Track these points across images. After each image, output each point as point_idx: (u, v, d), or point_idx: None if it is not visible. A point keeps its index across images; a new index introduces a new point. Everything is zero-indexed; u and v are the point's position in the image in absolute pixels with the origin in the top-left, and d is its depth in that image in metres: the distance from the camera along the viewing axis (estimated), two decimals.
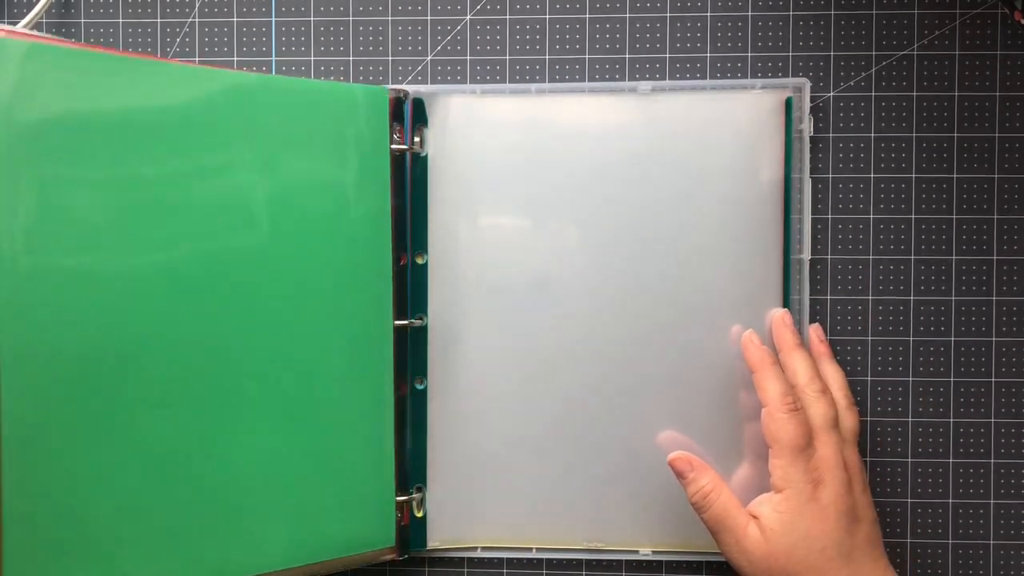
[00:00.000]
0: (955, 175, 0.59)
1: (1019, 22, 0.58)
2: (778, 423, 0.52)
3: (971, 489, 0.59)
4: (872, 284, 0.59)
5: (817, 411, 0.53)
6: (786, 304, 0.57)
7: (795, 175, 0.57)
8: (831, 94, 0.59)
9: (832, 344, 0.59)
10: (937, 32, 0.59)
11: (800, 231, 0.58)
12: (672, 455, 0.55)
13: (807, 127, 0.57)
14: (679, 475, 0.55)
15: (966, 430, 0.59)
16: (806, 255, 0.58)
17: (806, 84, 0.58)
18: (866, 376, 0.59)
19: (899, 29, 0.59)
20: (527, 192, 0.57)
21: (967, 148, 0.59)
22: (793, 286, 0.57)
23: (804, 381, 0.54)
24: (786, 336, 0.56)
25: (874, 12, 0.59)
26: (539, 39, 0.60)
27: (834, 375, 0.56)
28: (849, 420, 0.54)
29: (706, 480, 0.54)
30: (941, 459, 0.59)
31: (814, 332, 0.57)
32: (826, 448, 0.52)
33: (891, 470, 0.59)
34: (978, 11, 0.59)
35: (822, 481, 0.52)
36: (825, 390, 0.54)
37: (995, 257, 0.59)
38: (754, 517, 0.53)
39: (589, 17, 0.60)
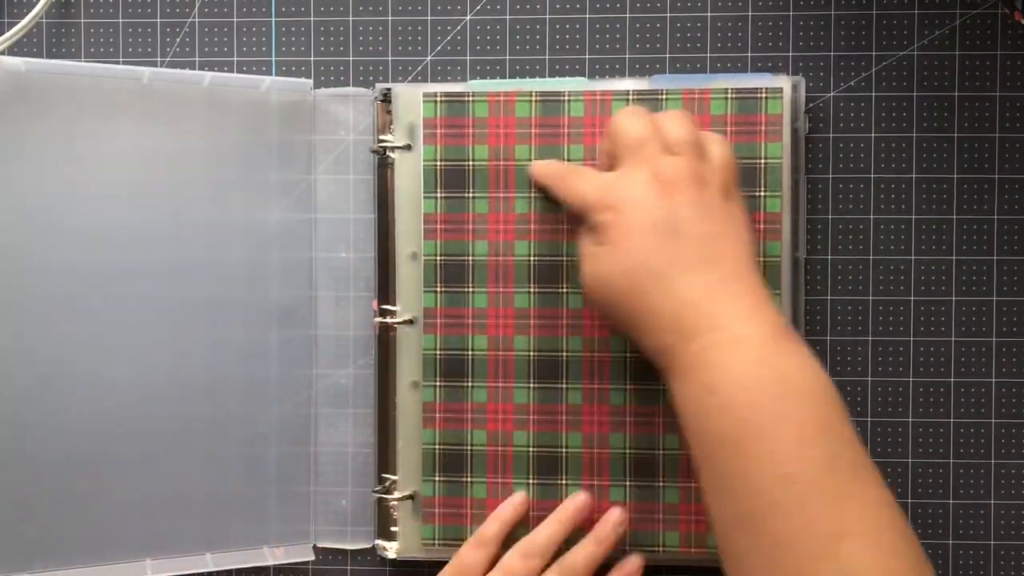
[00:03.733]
0: (955, 175, 0.59)
1: (1019, 22, 0.58)
2: (574, 181, 0.53)
3: (971, 489, 0.59)
4: (872, 284, 0.59)
5: (628, 126, 0.51)
6: (793, 304, 0.57)
7: (794, 175, 0.57)
8: (831, 94, 0.59)
9: (832, 344, 0.59)
10: (937, 32, 0.59)
11: (797, 231, 0.58)
12: (533, 164, 0.56)
13: (802, 125, 0.57)
14: (551, 183, 0.55)
15: (966, 430, 0.59)
16: (801, 253, 0.58)
17: (801, 82, 0.57)
18: (866, 376, 0.59)
19: (899, 29, 0.59)
20: None
21: (967, 148, 0.59)
22: (795, 286, 0.57)
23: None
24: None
25: (874, 12, 0.59)
26: (539, 39, 0.60)
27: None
28: (715, 148, 0.51)
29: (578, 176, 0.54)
30: (941, 459, 0.59)
31: None
32: (634, 165, 0.50)
33: (891, 470, 0.59)
34: (978, 11, 0.59)
35: (623, 201, 0.49)
36: (681, 115, 0.51)
37: (995, 257, 0.59)
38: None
39: (589, 17, 0.60)
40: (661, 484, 0.56)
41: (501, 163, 0.57)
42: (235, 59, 0.61)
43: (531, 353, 0.57)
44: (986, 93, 0.59)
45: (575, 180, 0.53)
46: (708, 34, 0.59)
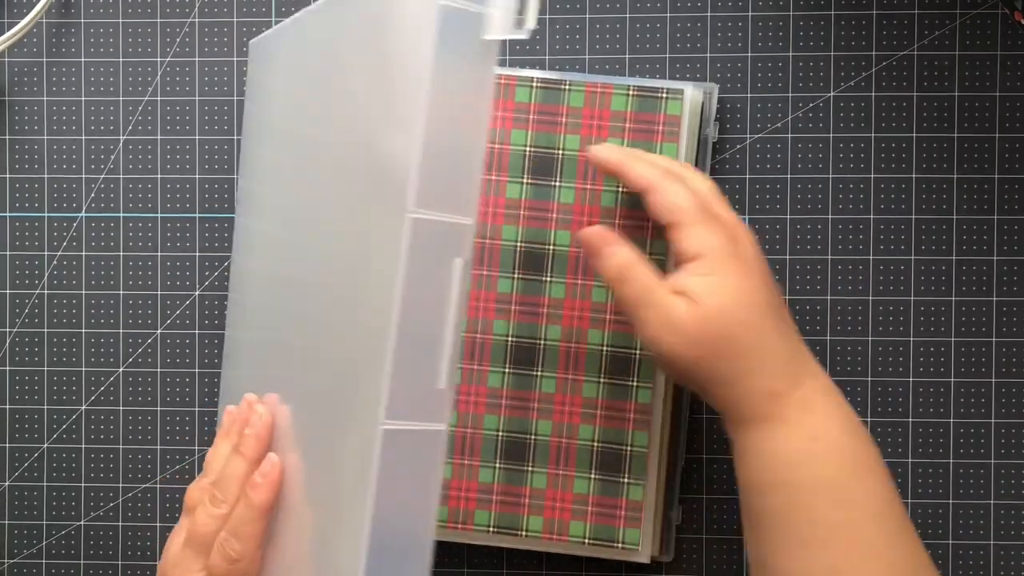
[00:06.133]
0: (955, 175, 0.59)
1: (1019, 22, 0.58)
2: (673, 194, 0.49)
3: (971, 489, 0.59)
4: (872, 284, 0.59)
5: (699, 185, 0.50)
6: None
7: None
8: (831, 94, 0.59)
9: (832, 344, 0.59)
10: (937, 32, 0.59)
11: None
12: (583, 230, 0.51)
13: (712, 132, 0.57)
14: (594, 252, 0.50)
15: (966, 430, 0.59)
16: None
17: (715, 89, 0.57)
18: (866, 376, 0.59)
19: (899, 29, 0.59)
20: None
21: (967, 148, 0.59)
22: None
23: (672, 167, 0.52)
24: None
25: (874, 12, 0.59)
26: (539, 39, 0.60)
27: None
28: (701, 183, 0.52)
29: (625, 253, 0.49)
30: (941, 459, 0.59)
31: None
32: (726, 211, 0.50)
33: (891, 470, 0.59)
34: (978, 11, 0.59)
35: (738, 239, 0.49)
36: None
37: (995, 257, 0.59)
38: (677, 293, 0.48)
39: (589, 17, 0.60)
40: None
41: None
42: (235, 59, 0.61)
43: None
44: (986, 93, 0.59)
45: (669, 185, 0.50)
46: (708, 34, 0.59)
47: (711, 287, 0.47)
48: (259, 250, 0.55)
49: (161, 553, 0.61)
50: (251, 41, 0.60)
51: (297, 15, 0.53)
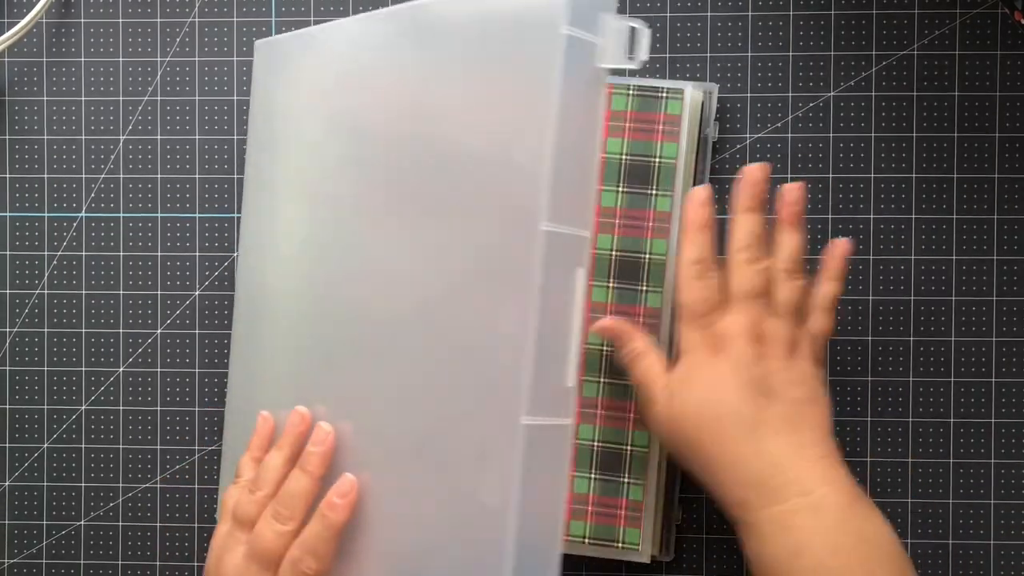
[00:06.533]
0: (955, 175, 0.59)
1: (1019, 22, 0.58)
2: (683, 289, 0.51)
3: (971, 489, 0.59)
4: (872, 284, 0.59)
5: (743, 279, 0.51)
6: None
7: (699, 177, 0.57)
8: (831, 94, 0.59)
9: (832, 344, 0.59)
10: (937, 32, 0.59)
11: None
12: (603, 321, 0.54)
13: (712, 132, 0.57)
14: (615, 338, 0.54)
15: (966, 430, 0.59)
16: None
17: (715, 89, 0.57)
18: (866, 376, 0.59)
19: (899, 29, 0.59)
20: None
21: (967, 148, 0.59)
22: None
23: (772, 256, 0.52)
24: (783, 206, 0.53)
25: (874, 12, 0.59)
26: None
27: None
28: (820, 320, 0.53)
29: (638, 342, 0.53)
30: (941, 459, 0.59)
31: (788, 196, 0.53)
32: (738, 316, 0.50)
33: (891, 470, 0.59)
34: (978, 11, 0.59)
35: (723, 348, 0.50)
36: (792, 272, 0.52)
37: (995, 257, 0.59)
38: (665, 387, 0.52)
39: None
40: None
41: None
42: (235, 59, 0.61)
43: None
44: (986, 93, 0.59)
45: (687, 278, 0.51)
46: (708, 34, 0.59)
47: (681, 387, 0.50)
48: (312, 264, 0.54)
49: (170, 555, 0.61)
50: (257, 42, 0.60)
51: (340, 22, 0.53)
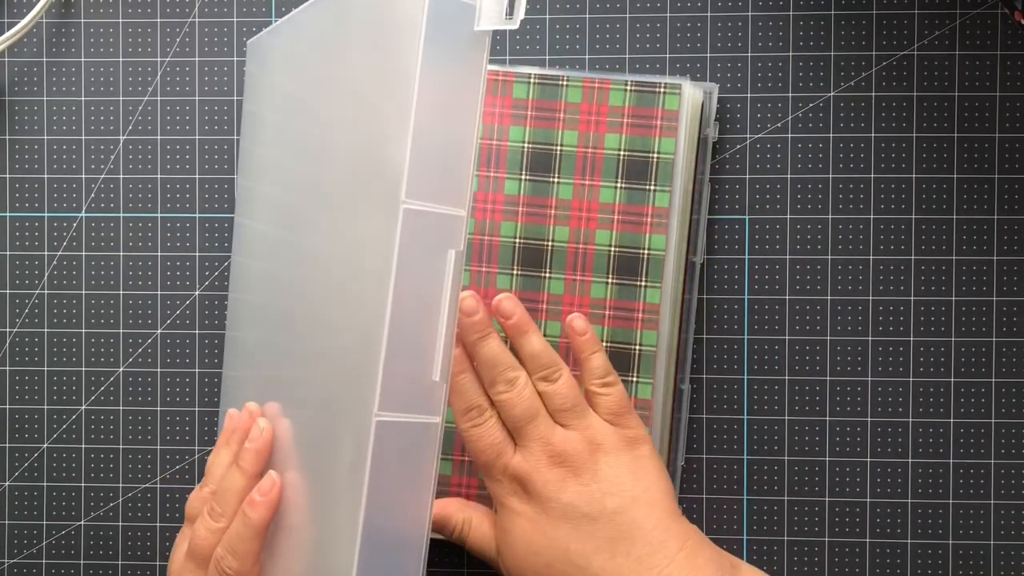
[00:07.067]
0: (955, 175, 0.59)
1: (1019, 22, 0.58)
2: (467, 442, 0.49)
3: (971, 489, 0.59)
4: (872, 284, 0.59)
5: (510, 409, 0.49)
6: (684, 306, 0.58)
7: (699, 177, 0.57)
8: (831, 94, 0.59)
9: (832, 344, 0.59)
10: (937, 32, 0.59)
11: (696, 233, 0.57)
12: (571, 320, 0.52)
13: (712, 132, 0.57)
14: (438, 528, 0.52)
15: (966, 430, 0.59)
16: (699, 258, 0.58)
17: (715, 88, 0.57)
18: (866, 376, 0.59)
19: (899, 29, 0.59)
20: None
21: (967, 148, 0.59)
22: (690, 289, 0.58)
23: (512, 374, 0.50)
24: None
25: (874, 12, 0.59)
26: (539, 39, 0.60)
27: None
28: (603, 399, 0.50)
29: (456, 518, 0.51)
30: (941, 459, 0.59)
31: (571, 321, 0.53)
32: (522, 450, 0.49)
33: (891, 470, 0.59)
34: (978, 11, 0.59)
35: (527, 488, 0.48)
36: (548, 376, 0.49)
37: (995, 257, 0.59)
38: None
39: (589, 17, 0.60)
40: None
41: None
42: (235, 59, 0.61)
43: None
44: (986, 93, 0.59)
45: (466, 431, 0.49)
46: (708, 34, 0.59)
47: (507, 547, 0.49)
48: (257, 250, 0.55)
49: (168, 556, 0.61)
50: (249, 41, 0.60)
51: (292, 13, 0.53)
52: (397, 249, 0.36)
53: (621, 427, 0.50)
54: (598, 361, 0.52)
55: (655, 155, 0.56)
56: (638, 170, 0.56)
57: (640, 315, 0.56)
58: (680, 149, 0.56)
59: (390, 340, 0.37)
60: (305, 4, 0.52)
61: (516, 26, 0.37)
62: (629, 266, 0.56)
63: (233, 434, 0.50)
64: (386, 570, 0.38)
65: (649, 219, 0.56)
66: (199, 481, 0.61)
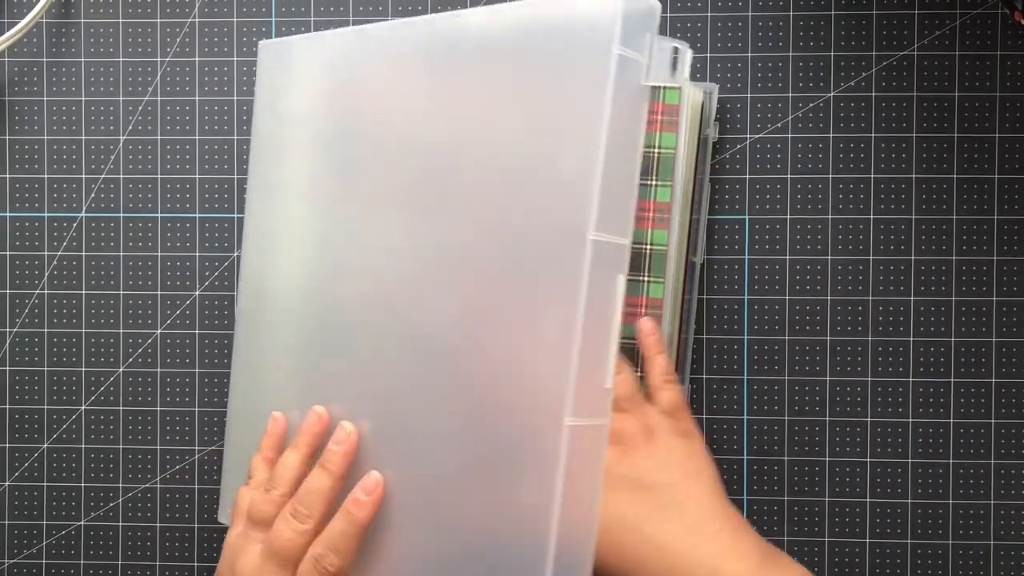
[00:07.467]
0: (955, 175, 0.59)
1: (1019, 22, 0.58)
2: (621, 417, 0.52)
3: (971, 489, 0.59)
4: (872, 284, 0.59)
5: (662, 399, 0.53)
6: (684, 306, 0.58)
7: (699, 177, 0.57)
8: (831, 94, 0.59)
9: (832, 344, 0.59)
10: (937, 32, 0.59)
11: (696, 233, 0.57)
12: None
13: (712, 132, 0.57)
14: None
15: (966, 430, 0.59)
16: (699, 258, 0.58)
17: (715, 89, 0.57)
18: (866, 376, 0.59)
19: (899, 29, 0.59)
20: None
21: (967, 148, 0.59)
22: (689, 288, 0.58)
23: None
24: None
25: (874, 12, 0.59)
26: None
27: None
28: (664, 394, 0.53)
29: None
30: (941, 459, 0.59)
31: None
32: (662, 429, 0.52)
33: (891, 470, 0.59)
34: (978, 11, 0.59)
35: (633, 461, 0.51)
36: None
37: (995, 257, 0.59)
38: None
39: None
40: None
41: None
42: (235, 59, 0.61)
43: None
44: (986, 93, 0.59)
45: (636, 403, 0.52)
46: (708, 34, 0.59)
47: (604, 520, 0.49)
48: (327, 266, 0.54)
49: (165, 556, 0.61)
50: (262, 42, 0.59)
51: (364, 30, 0.53)
52: (587, 276, 0.41)
53: (677, 420, 0.53)
54: (662, 360, 0.54)
55: (656, 150, 0.56)
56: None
57: (642, 311, 0.56)
58: (681, 143, 0.56)
59: (581, 356, 0.42)
60: (384, 24, 0.51)
61: (679, 84, 0.44)
62: (632, 262, 0.56)
63: (302, 437, 0.51)
64: (572, 561, 0.42)
65: (651, 215, 0.56)
66: (199, 481, 0.61)
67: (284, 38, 0.58)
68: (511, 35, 0.46)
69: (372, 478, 0.48)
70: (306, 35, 0.57)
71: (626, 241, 0.43)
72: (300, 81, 0.56)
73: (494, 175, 0.45)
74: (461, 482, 0.45)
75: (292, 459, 0.51)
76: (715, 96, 0.57)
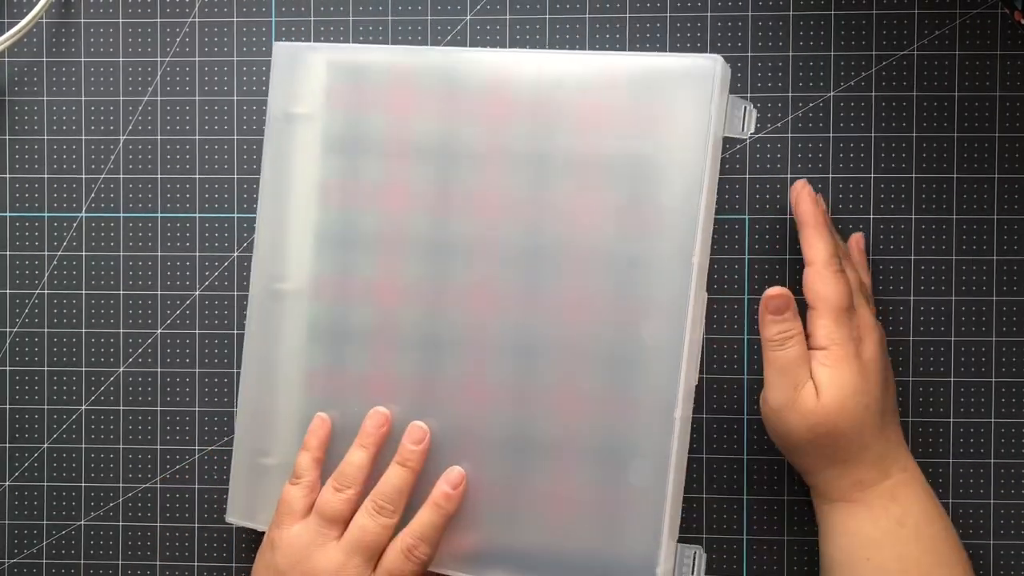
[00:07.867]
0: (955, 175, 0.59)
1: (1019, 22, 0.58)
2: (825, 282, 0.52)
3: (971, 489, 0.59)
4: (872, 284, 0.59)
5: (854, 277, 0.55)
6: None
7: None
8: (831, 94, 0.59)
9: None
10: (937, 32, 0.59)
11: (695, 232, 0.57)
12: (775, 290, 0.53)
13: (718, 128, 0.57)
14: (773, 310, 0.53)
15: (966, 430, 0.59)
16: (696, 258, 0.57)
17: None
18: None
19: (899, 29, 0.59)
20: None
21: (967, 148, 0.59)
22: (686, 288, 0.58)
23: (841, 252, 0.55)
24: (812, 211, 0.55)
25: (874, 12, 0.59)
26: (539, 39, 0.60)
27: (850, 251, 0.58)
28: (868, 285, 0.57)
29: (791, 324, 0.53)
30: (941, 459, 0.59)
31: (855, 242, 0.58)
32: (863, 310, 0.54)
33: None
34: (978, 11, 0.59)
35: (863, 340, 0.53)
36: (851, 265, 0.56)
37: (995, 257, 0.59)
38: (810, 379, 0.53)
39: (589, 16, 0.60)
40: None
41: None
42: (235, 59, 0.61)
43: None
44: (986, 93, 0.59)
45: (823, 272, 0.53)
46: (708, 34, 0.59)
47: (832, 381, 0.52)
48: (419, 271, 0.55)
49: (166, 556, 0.61)
50: (277, 44, 0.57)
51: (426, 53, 0.55)
52: (694, 293, 0.50)
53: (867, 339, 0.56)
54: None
55: None
56: None
57: None
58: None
59: (688, 360, 0.50)
60: (461, 50, 0.56)
61: (747, 138, 0.57)
62: None
63: (369, 437, 0.54)
64: (673, 535, 0.50)
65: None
66: (199, 481, 0.61)
67: (313, 44, 0.59)
68: (608, 80, 0.52)
69: (456, 472, 0.53)
70: (348, 48, 0.58)
71: (707, 262, 0.51)
72: (355, 94, 0.56)
73: (591, 193, 0.52)
74: (569, 471, 0.52)
75: (361, 458, 0.53)
76: (725, 93, 0.57)
